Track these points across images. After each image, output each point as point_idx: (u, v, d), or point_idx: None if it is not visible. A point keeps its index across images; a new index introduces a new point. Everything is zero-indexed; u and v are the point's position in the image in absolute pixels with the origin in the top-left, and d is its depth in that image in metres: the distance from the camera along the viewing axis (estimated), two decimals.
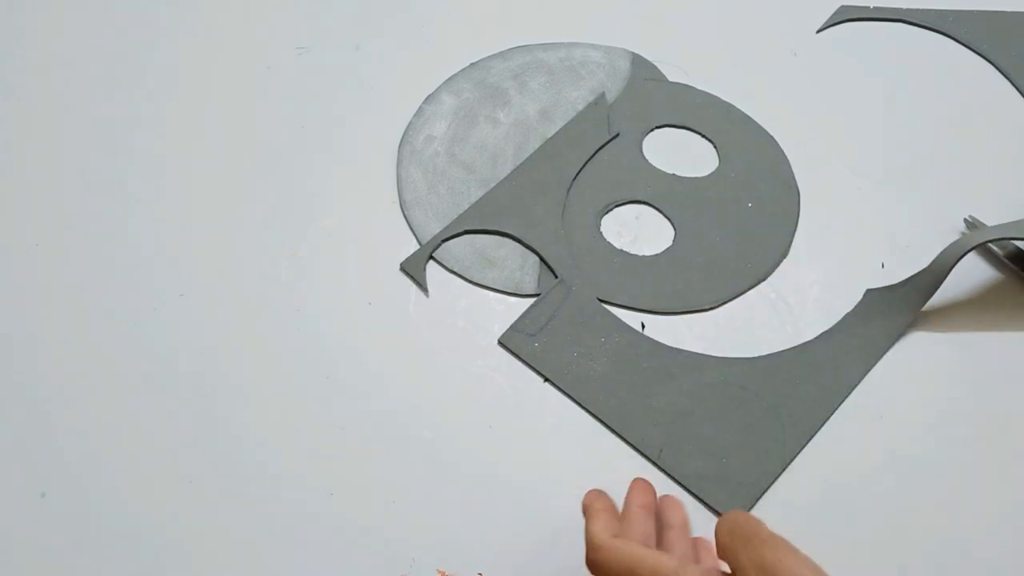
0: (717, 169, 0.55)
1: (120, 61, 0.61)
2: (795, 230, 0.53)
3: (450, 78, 0.59)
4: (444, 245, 0.52)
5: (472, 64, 0.60)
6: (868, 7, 0.62)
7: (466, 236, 0.52)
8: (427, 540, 0.43)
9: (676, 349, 0.47)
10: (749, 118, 0.57)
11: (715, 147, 0.56)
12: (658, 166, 0.55)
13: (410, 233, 0.53)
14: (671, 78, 0.59)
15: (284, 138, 0.57)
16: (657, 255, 0.51)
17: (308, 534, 0.43)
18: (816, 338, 0.48)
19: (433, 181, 0.54)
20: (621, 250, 0.51)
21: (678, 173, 0.54)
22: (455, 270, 0.51)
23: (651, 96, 0.58)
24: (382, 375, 0.48)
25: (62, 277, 0.51)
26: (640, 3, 0.63)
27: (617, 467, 0.44)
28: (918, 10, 0.62)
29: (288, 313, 0.50)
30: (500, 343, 0.48)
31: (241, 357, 0.48)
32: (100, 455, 0.45)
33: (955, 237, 0.50)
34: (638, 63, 0.60)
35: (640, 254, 0.51)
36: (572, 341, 0.47)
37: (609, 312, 0.49)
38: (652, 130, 0.56)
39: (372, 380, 0.47)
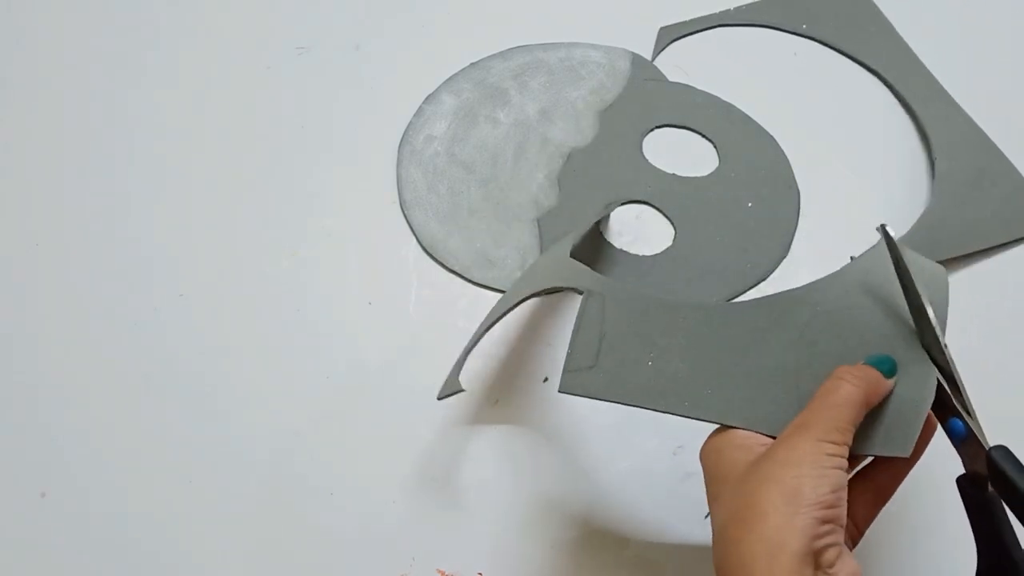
0: (717, 169, 0.55)
1: (120, 61, 0.61)
2: (795, 230, 0.53)
3: (450, 78, 0.59)
4: (444, 245, 0.52)
5: (472, 64, 0.60)
6: (685, 22, 0.61)
7: (466, 236, 0.52)
8: (427, 540, 0.43)
9: (750, 301, 0.40)
10: (749, 118, 0.57)
11: (715, 147, 0.56)
12: (658, 166, 0.55)
13: (410, 233, 0.53)
14: (671, 78, 0.59)
15: (284, 138, 0.57)
16: (657, 255, 0.51)
17: (308, 534, 0.43)
18: None
19: (433, 181, 0.54)
20: (621, 250, 0.51)
21: (678, 173, 0.54)
22: (455, 270, 0.51)
23: (651, 96, 0.58)
24: (382, 375, 0.47)
25: (62, 277, 0.51)
26: (640, 3, 0.63)
27: (617, 467, 0.44)
28: (731, 11, 0.62)
29: (288, 313, 0.50)
30: (562, 392, 0.38)
31: (241, 357, 0.48)
32: (100, 455, 0.45)
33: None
34: (638, 63, 0.60)
35: (640, 254, 0.51)
36: (640, 351, 0.38)
37: (657, 298, 0.40)
38: (652, 130, 0.56)
39: (372, 380, 0.47)
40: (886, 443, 0.34)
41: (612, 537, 0.43)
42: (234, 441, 0.46)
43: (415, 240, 0.52)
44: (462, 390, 0.38)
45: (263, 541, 0.43)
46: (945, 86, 0.57)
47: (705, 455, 0.35)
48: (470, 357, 0.46)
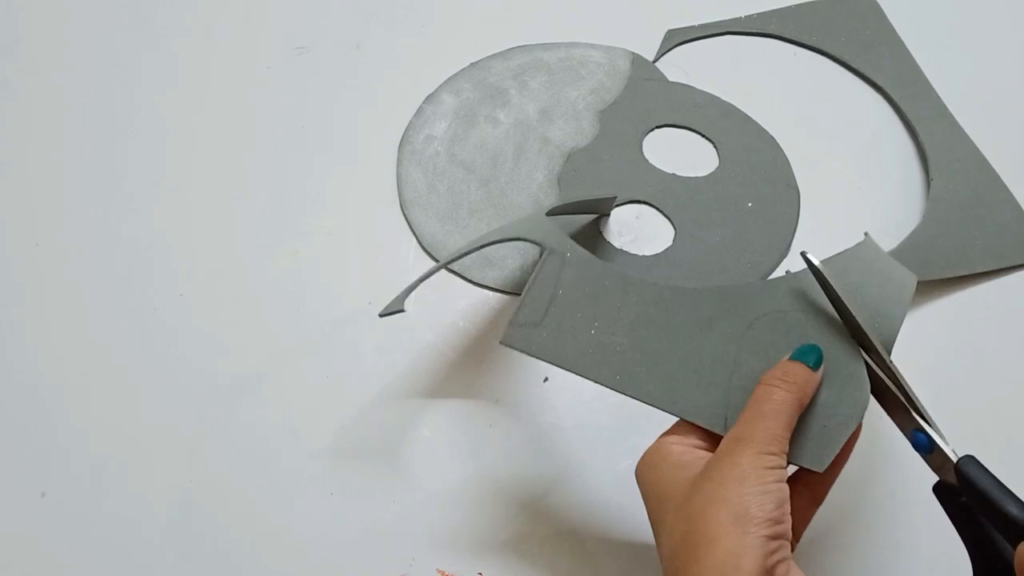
0: (717, 169, 0.55)
1: (120, 61, 0.61)
2: (795, 230, 0.52)
3: (450, 78, 0.59)
4: (444, 245, 0.52)
5: (472, 64, 0.60)
6: (693, 26, 0.61)
7: (466, 236, 0.52)
8: (427, 540, 0.43)
9: (705, 289, 0.39)
10: (749, 118, 0.57)
11: (715, 147, 0.56)
12: (658, 166, 0.55)
13: (410, 233, 0.53)
14: (671, 78, 0.59)
15: (284, 138, 0.57)
16: (657, 255, 0.51)
17: (308, 534, 0.43)
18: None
19: (433, 180, 0.54)
20: (621, 250, 0.51)
21: (678, 173, 0.54)
22: (455, 270, 0.51)
23: (651, 96, 0.58)
24: (382, 375, 0.47)
25: (62, 277, 0.51)
26: (640, 3, 0.63)
27: (618, 467, 0.44)
28: (741, 19, 0.62)
29: (288, 313, 0.50)
30: (504, 344, 0.39)
31: (241, 357, 0.48)
32: (100, 455, 0.45)
33: None
34: (638, 63, 0.60)
35: (640, 254, 0.51)
36: (586, 318, 0.39)
37: (616, 269, 0.40)
38: (652, 130, 0.56)
39: (372, 380, 0.47)
40: (802, 455, 0.34)
41: (613, 537, 0.43)
42: (234, 441, 0.46)
43: (415, 240, 0.52)
44: (402, 310, 0.38)
45: (263, 540, 0.43)
46: (952, 108, 0.56)
47: (641, 473, 0.35)
48: (469, 358, 0.47)
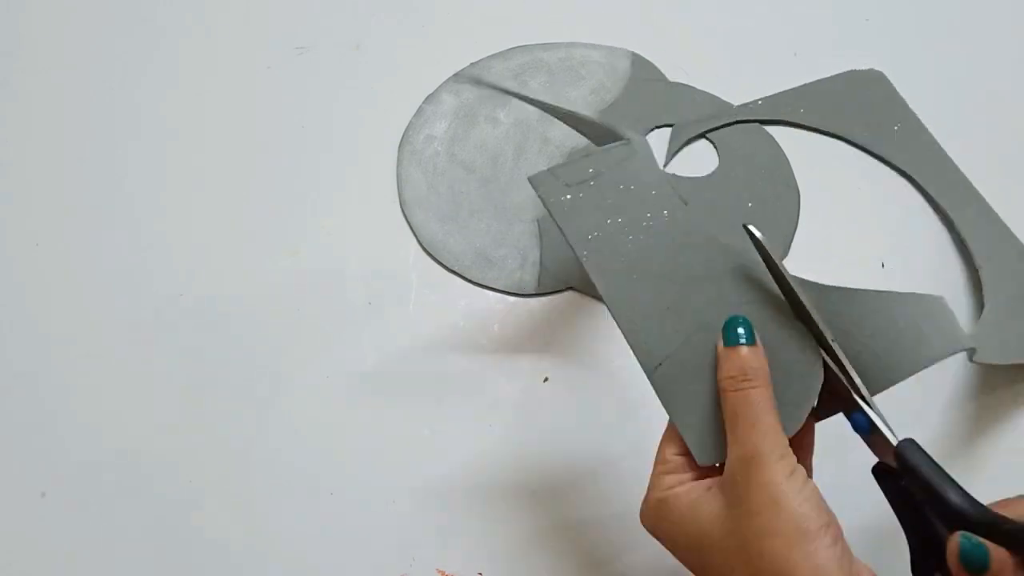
0: (717, 169, 0.55)
1: (120, 61, 0.61)
2: (795, 230, 0.52)
3: (450, 78, 0.59)
4: (444, 244, 0.52)
5: (472, 64, 0.60)
6: (700, 120, 0.56)
7: (466, 236, 0.52)
8: (427, 540, 0.43)
9: (739, 250, 0.38)
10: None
11: (715, 147, 0.56)
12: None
13: (410, 233, 0.53)
14: (671, 78, 0.59)
15: (284, 138, 0.57)
16: None
17: (308, 533, 0.43)
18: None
19: (433, 180, 0.54)
20: None
21: (678, 173, 0.54)
22: (455, 270, 0.51)
23: (651, 96, 0.58)
24: (382, 375, 0.47)
25: (62, 277, 0.51)
26: (640, 3, 0.63)
27: (619, 467, 0.44)
28: (749, 106, 0.57)
29: (288, 313, 0.50)
30: (530, 181, 0.41)
31: (241, 357, 0.48)
32: (100, 455, 0.45)
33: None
34: (638, 63, 0.60)
35: None
36: (612, 207, 0.39)
37: (669, 191, 0.40)
38: (652, 130, 0.56)
39: (372, 380, 0.47)
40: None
41: (614, 537, 0.43)
42: (234, 441, 0.46)
43: (415, 240, 0.52)
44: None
45: (263, 541, 0.43)
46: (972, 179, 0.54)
47: (654, 527, 0.34)
48: (468, 358, 0.46)
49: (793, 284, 0.35)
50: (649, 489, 0.34)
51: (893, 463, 0.32)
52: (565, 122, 0.47)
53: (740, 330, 0.34)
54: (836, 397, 0.34)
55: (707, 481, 0.33)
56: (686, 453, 0.34)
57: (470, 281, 0.51)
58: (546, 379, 0.47)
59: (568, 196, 0.40)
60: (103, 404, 0.47)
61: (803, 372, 0.34)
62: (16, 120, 0.58)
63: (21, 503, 0.44)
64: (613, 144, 0.42)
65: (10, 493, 0.45)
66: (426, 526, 0.43)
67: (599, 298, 0.49)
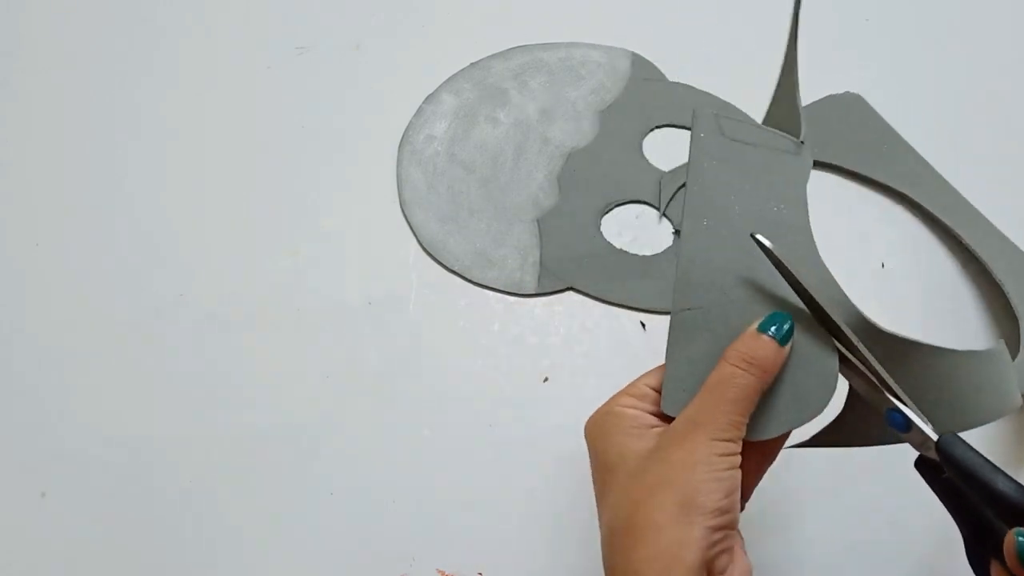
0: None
1: (120, 61, 0.61)
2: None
3: (450, 78, 0.59)
4: (444, 244, 0.52)
5: (472, 64, 0.60)
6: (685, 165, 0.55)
7: (466, 236, 0.52)
8: (427, 540, 0.43)
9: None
10: (749, 117, 0.57)
11: None
12: (658, 166, 0.55)
13: (410, 233, 0.53)
14: (671, 78, 0.59)
15: (284, 138, 0.57)
16: (657, 255, 0.51)
17: (308, 534, 0.43)
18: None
19: (433, 181, 0.54)
20: (621, 250, 0.51)
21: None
22: (455, 270, 0.51)
23: (651, 96, 0.58)
24: (382, 375, 0.48)
25: (62, 277, 0.51)
26: (640, 3, 0.63)
27: None
28: None
29: (288, 313, 0.50)
30: (693, 111, 0.43)
31: (241, 357, 0.48)
32: (100, 455, 0.45)
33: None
34: (638, 63, 0.60)
35: (640, 254, 0.51)
36: (749, 177, 0.40)
37: (804, 204, 0.40)
38: (652, 130, 0.56)
39: (372, 380, 0.47)
40: (760, 429, 0.33)
41: None
42: (234, 440, 0.46)
43: (415, 240, 0.52)
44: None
45: (263, 541, 0.43)
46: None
47: (591, 436, 0.34)
48: (466, 358, 0.46)
49: (811, 291, 0.34)
50: (606, 402, 0.35)
51: (935, 456, 0.32)
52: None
53: (785, 327, 0.33)
54: (868, 395, 0.34)
55: (655, 420, 0.33)
56: (657, 391, 0.34)
57: (470, 281, 0.51)
58: (546, 379, 0.47)
59: (717, 141, 0.41)
60: (103, 404, 0.47)
61: (815, 386, 0.34)
62: (16, 120, 0.58)
63: (21, 503, 0.44)
64: (786, 135, 0.42)
65: (10, 493, 0.45)
66: (426, 526, 0.43)
67: (599, 298, 0.50)
